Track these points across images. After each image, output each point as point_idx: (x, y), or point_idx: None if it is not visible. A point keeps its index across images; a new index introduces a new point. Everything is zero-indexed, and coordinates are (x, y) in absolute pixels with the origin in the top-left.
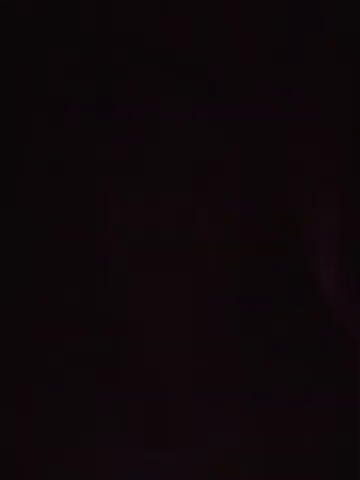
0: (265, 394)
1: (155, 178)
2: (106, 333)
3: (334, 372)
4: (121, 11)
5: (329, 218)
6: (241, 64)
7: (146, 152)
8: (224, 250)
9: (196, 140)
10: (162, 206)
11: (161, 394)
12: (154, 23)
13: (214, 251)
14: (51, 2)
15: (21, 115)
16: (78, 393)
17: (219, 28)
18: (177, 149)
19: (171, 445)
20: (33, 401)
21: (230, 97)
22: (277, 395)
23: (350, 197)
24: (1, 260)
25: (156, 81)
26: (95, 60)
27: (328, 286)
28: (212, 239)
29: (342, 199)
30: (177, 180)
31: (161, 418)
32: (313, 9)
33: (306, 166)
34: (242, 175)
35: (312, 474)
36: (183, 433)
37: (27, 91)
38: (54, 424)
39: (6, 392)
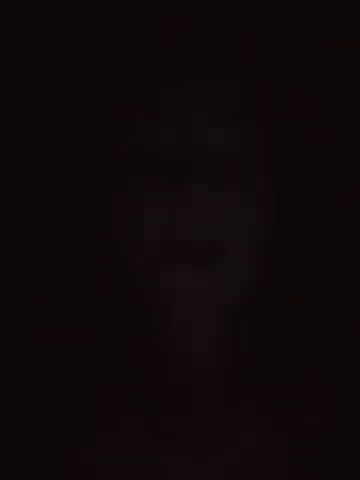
0: (282, 394)
1: (155, 177)
2: (106, 333)
3: (349, 372)
4: (121, 11)
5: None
6: (241, 64)
7: (146, 151)
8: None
9: (196, 139)
10: (162, 206)
11: (164, 394)
12: (154, 23)
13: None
14: (52, 4)
15: (21, 115)
16: (78, 393)
17: (219, 28)
18: (177, 148)
19: (177, 445)
20: (33, 401)
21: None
22: (293, 395)
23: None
24: (1, 260)
25: (155, 81)
26: (94, 60)
27: None
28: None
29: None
30: (177, 180)
31: (163, 418)
32: (313, 9)
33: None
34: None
35: (327, 474)
36: (188, 433)
37: (27, 91)
38: (54, 424)
39: (6, 392)
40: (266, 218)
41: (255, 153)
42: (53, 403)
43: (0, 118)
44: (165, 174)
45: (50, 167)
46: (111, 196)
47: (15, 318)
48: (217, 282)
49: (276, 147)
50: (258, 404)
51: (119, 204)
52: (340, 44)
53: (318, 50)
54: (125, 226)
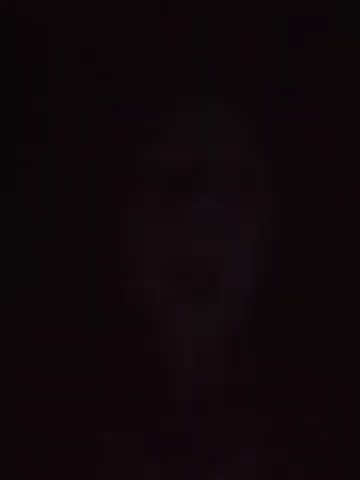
0: (282, 394)
1: (156, 177)
2: (106, 333)
3: (349, 372)
4: (121, 12)
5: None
6: (241, 64)
7: (146, 151)
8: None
9: (196, 139)
10: (162, 206)
11: (164, 394)
12: (154, 23)
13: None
14: (52, 4)
15: (21, 115)
16: (78, 393)
17: (219, 28)
18: (177, 148)
19: (177, 446)
20: (33, 401)
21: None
22: (293, 395)
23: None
24: (1, 260)
25: (155, 81)
26: (94, 60)
27: None
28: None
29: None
30: (177, 179)
31: (163, 418)
32: (313, 9)
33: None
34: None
35: (327, 474)
36: (188, 434)
37: (27, 91)
38: (54, 424)
39: (6, 392)
40: (266, 219)
41: (255, 153)
42: (53, 403)
43: (0, 118)
44: (165, 173)
45: (50, 167)
46: (111, 196)
47: (15, 318)
48: (218, 282)
49: (276, 147)
50: (258, 404)
51: (119, 204)
52: (340, 44)
53: (318, 50)
54: (125, 226)
